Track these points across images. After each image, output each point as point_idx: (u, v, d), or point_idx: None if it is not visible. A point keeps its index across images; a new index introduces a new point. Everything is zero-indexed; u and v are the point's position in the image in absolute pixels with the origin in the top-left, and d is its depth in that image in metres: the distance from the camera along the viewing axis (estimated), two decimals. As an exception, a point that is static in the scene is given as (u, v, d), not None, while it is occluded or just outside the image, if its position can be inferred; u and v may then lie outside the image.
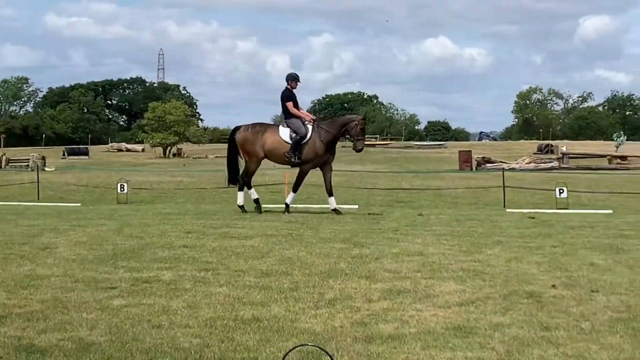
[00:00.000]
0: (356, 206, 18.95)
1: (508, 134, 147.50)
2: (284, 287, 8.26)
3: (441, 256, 10.26)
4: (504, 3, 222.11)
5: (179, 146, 72.87)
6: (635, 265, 9.52)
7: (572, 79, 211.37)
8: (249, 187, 16.96)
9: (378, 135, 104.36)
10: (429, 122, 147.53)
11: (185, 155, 70.06)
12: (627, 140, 62.83)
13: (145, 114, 79.57)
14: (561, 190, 17.81)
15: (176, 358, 5.84)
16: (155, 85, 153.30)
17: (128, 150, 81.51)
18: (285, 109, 16.77)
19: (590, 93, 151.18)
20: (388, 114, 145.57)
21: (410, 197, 22.66)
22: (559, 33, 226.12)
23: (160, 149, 72.81)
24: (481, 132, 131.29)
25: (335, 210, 16.31)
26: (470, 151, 41.54)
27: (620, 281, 8.54)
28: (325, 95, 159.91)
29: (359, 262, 9.80)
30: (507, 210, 17.76)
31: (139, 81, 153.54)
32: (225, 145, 17.68)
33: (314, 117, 17.03)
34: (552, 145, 52.69)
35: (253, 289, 8.15)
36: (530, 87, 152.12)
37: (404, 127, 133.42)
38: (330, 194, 16.54)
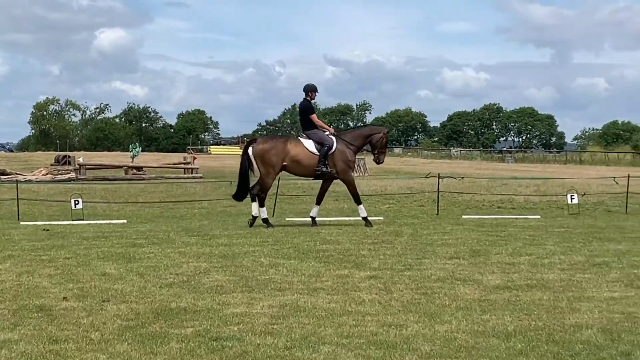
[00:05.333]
0: None
1: (25, 145, 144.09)
2: None
3: (-54, 274, 9.71)
4: (16, 12, 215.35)
5: None
6: (146, 273, 9.87)
7: (90, 91, 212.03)
8: (262, 205, 16.13)
9: None
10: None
11: None
12: (142, 151, 64.77)
13: None
14: (76, 202, 17.81)
15: None
16: None
17: None
18: (307, 121, 16.39)
19: (108, 105, 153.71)
20: None
21: None
22: (76, 44, 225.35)
23: None
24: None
25: (313, 219, 16.26)
26: (-15, 162, 39.72)
27: (130, 289, 8.79)
28: None
29: None
30: (22, 223, 17.28)
31: None
32: None
33: (333, 130, 16.87)
34: (69, 157, 52.14)
35: None
36: (47, 97, 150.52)
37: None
38: (318, 203, 16.51)
